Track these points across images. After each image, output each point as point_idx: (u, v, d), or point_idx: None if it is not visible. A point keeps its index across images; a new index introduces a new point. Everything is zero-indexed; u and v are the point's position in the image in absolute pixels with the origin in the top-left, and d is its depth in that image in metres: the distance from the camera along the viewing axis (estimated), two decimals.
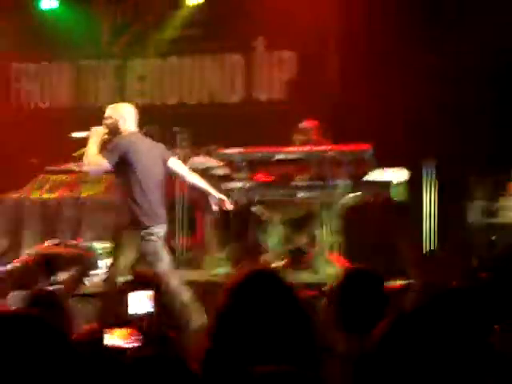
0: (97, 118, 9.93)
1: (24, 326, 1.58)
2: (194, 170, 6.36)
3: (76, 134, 6.00)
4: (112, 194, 8.31)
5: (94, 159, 5.78)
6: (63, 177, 8.87)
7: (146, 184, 5.71)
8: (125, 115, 5.99)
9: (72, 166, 8.90)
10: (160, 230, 5.73)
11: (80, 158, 8.44)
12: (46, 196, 8.67)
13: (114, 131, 5.92)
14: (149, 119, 9.19)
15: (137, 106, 6.12)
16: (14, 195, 8.75)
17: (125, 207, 5.73)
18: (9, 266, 6.71)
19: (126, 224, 5.69)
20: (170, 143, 7.66)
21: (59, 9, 10.52)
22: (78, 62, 10.88)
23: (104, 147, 5.83)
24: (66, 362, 1.55)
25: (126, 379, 1.73)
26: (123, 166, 5.70)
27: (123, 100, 10.17)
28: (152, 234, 5.66)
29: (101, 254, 7.39)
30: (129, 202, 5.69)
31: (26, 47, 10.59)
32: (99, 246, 7.66)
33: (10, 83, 11.09)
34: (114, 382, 1.88)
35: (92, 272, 7.18)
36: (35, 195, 8.70)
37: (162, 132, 8.95)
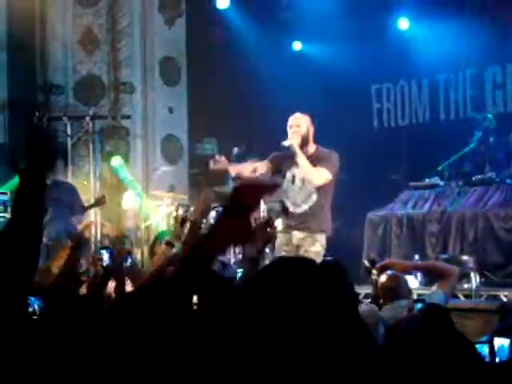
0: (453, 131, 10.01)
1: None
2: None
3: (285, 143, 5.96)
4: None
5: (319, 172, 5.88)
6: (427, 191, 8.88)
7: None
8: (312, 125, 6.01)
9: (436, 180, 8.90)
10: None
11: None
12: (411, 211, 8.76)
13: (304, 140, 5.91)
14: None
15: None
16: (381, 211, 8.98)
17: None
18: None
19: None
20: None
21: (411, 28, 10.70)
22: (433, 77, 10.94)
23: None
24: None
25: None
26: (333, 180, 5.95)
27: (482, 110, 10.04)
28: None
29: None
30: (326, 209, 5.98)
31: (383, 67, 10.94)
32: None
33: (370, 103, 11.51)
34: None
35: None
36: (401, 211, 8.83)
37: None
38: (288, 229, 6.06)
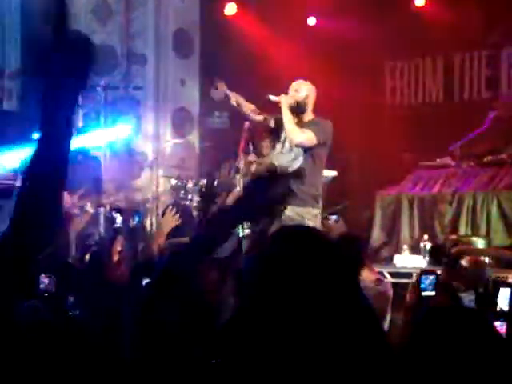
0: (466, 111, 9.93)
1: None
2: None
3: (272, 97, 5.85)
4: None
5: (303, 132, 5.69)
6: (438, 171, 8.84)
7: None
8: (313, 95, 5.84)
9: (447, 160, 8.86)
10: None
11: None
12: (421, 191, 8.73)
13: (300, 107, 5.78)
14: None
15: None
16: (392, 191, 8.95)
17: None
18: None
19: None
20: None
21: (428, 6, 10.58)
22: (449, 56, 10.85)
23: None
24: None
25: None
26: (323, 148, 5.76)
27: (497, 90, 9.96)
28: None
29: None
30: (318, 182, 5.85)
31: (398, 45, 10.84)
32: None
33: (385, 81, 11.43)
34: None
35: None
36: (411, 190, 8.80)
37: None
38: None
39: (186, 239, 3.86)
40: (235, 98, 6.08)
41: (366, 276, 4.54)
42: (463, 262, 4.40)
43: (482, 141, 8.81)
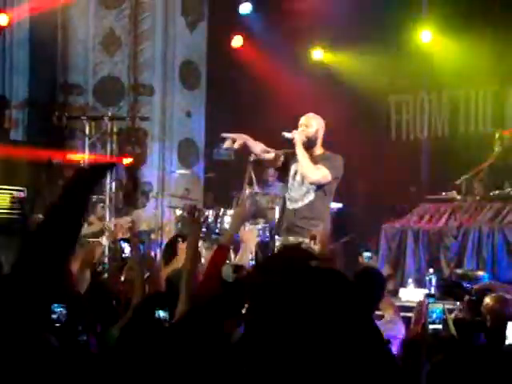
0: (471, 146, 9.98)
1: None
2: None
3: (286, 134, 5.85)
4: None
5: (318, 169, 5.71)
6: (444, 205, 8.83)
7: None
8: (323, 128, 5.87)
9: (453, 194, 8.85)
10: None
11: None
12: (427, 224, 8.71)
13: (310, 142, 5.80)
14: None
15: None
16: (397, 224, 8.94)
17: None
18: None
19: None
20: None
21: (434, 41, 10.65)
22: (454, 91, 10.91)
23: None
24: None
25: None
26: (335, 183, 5.80)
27: (502, 127, 9.99)
28: None
29: None
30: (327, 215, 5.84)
31: (403, 79, 10.91)
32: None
33: (389, 115, 11.48)
34: None
35: None
36: (417, 224, 8.78)
37: None
38: (284, 233, 5.91)
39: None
40: (242, 142, 5.98)
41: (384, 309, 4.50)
42: (487, 299, 4.31)
43: (487, 175, 8.82)
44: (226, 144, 5.92)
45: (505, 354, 2.06)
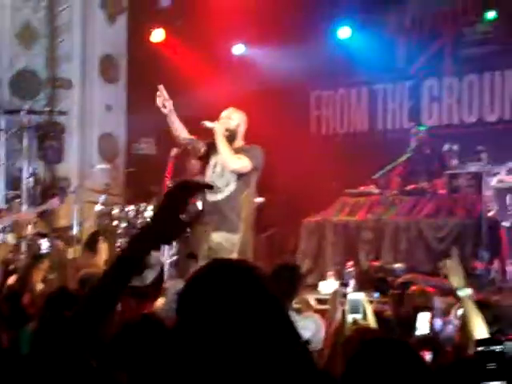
0: (389, 141, 10.21)
1: None
2: None
3: (207, 123, 5.84)
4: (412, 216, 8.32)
5: (238, 159, 5.75)
6: (362, 199, 9.00)
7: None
8: (244, 123, 5.95)
9: (371, 188, 9.02)
10: None
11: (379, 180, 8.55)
12: (346, 218, 8.85)
13: (231, 135, 5.84)
14: (449, 138, 9.20)
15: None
16: (317, 218, 9.05)
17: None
18: None
19: None
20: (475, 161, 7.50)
21: (353, 37, 10.81)
22: (373, 87, 11.12)
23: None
24: None
25: None
26: (255, 174, 5.81)
27: (419, 121, 10.23)
28: None
29: None
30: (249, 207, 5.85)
31: (324, 75, 11.04)
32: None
33: (309, 110, 11.62)
34: None
35: None
36: (336, 217, 8.92)
37: (462, 151, 8.82)
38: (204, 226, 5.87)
39: (100, 270, 3.75)
40: (171, 111, 5.88)
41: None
42: (410, 292, 4.39)
43: (403, 169, 9.03)
44: (158, 100, 5.83)
45: (412, 345, 2.13)
